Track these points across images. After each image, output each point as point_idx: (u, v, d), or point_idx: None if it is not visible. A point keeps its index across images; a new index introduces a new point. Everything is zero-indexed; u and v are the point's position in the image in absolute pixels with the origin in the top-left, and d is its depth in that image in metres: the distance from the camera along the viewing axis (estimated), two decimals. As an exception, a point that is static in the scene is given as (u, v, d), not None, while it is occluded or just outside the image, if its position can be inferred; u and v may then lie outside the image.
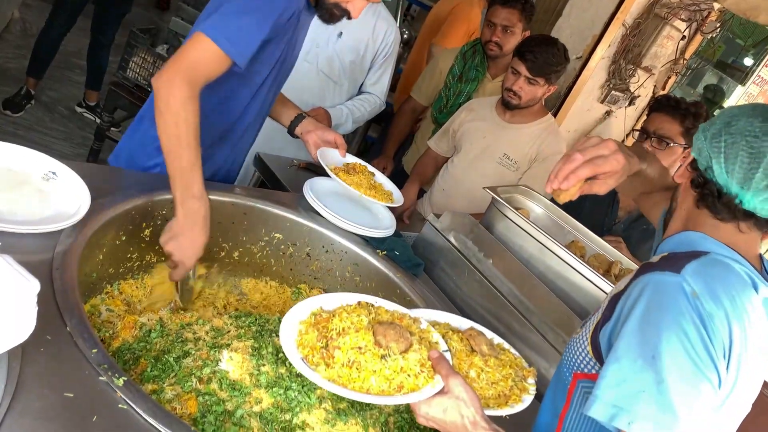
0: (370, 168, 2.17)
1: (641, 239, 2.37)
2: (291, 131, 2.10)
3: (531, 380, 1.34)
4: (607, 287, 1.76)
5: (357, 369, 1.12)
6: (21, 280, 0.94)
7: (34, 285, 0.95)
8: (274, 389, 1.33)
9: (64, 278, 1.26)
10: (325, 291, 2.00)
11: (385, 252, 1.96)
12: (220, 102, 1.82)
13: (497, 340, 1.45)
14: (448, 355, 1.22)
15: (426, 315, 1.43)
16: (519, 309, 1.78)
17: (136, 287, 1.73)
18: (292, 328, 1.23)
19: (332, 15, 1.76)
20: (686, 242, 1.11)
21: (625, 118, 4.17)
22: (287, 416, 1.31)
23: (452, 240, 1.97)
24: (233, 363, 1.37)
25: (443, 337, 1.30)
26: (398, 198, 2.11)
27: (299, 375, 1.38)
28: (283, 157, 2.89)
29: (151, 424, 1.06)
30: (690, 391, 0.97)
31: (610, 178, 1.20)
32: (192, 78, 1.54)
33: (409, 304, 1.87)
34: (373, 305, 1.31)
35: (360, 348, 1.13)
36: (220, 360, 1.38)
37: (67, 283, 1.25)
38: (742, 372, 1.03)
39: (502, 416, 1.23)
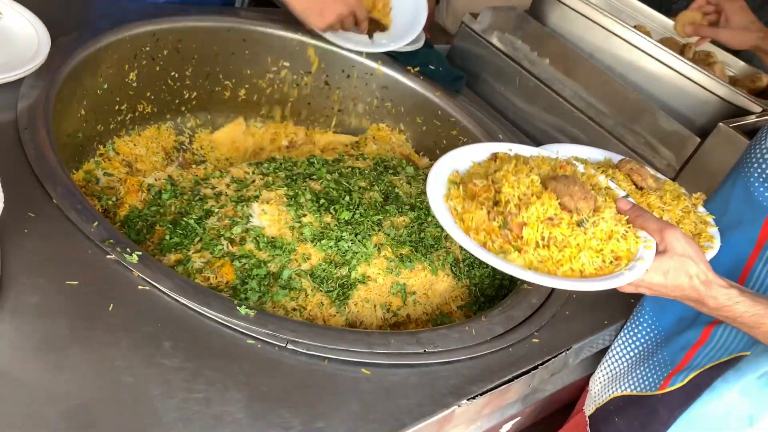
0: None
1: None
2: None
3: (702, 209, 1.06)
4: (689, 70, 1.46)
5: (556, 247, 0.81)
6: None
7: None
8: (322, 242, 1.10)
9: (37, 139, 0.98)
10: (351, 125, 1.71)
11: (417, 68, 1.64)
12: None
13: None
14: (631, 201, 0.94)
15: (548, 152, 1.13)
16: (588, 113, 1.50)
17: (134, 144, 1.46)
18: (441, 209, 0.88)
19: None
20: None
21: None
22: (344, 271, 1.09)
23: (496, 42, 1.64)
24: (267, 217, 1.13)
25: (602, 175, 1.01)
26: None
27: (348, 222, 1.14)
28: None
29: (182, 304, 0.84)
30: None
31: None
32: None
33: (455, 126, 1.59)
34: (512, 156, 0.97)
35: (551, 219, 0.81)
36: (251, 215, 1.14)
37: (41, 145, 0.98)
38: None
39: None
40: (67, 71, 1.16)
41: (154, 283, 0.85)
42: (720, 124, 1.32)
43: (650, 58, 1.49)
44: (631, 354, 1.17)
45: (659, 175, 1.10)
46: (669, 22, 1.81)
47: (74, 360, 0.73)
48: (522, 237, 0.82)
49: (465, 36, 1.71)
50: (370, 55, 1.63)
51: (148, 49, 1.40)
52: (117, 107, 1.40)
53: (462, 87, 1.68)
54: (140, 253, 0.88)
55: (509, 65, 1.62)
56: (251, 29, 1.55)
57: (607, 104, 1.47)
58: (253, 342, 0.83)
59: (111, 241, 0.88)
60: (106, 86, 1.34)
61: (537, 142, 1.60)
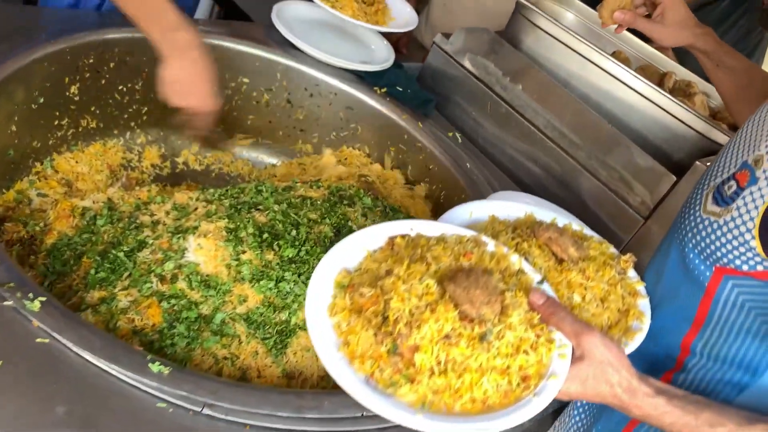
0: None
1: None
2: None
3: (632, 273, 0.95)
4: (667, 103, 1.39)
5: (454, 372, 0.68)
6: None
7: None
8: (261, 282, 1.01)
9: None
10: (313, 145, 1.62)
11: (385, 89, 1.56)
12: None
13: (560, 214, 1.06)
14: (548, 290, 0.82)
15: (462, 216, 1.00)
16: (561, 144, 1.42)
17: (76, 161, 1.37)
18: (323, 325, 0.74)
19: None
20: None
21: None
22: (283, 315, 1.00)
23: (468, 65, 1.56)
24: (203, 252, 1.03)
25: (516, 250, 0.88)
26: (409, 20, 1.65)
27: (293, 260, 1.05)
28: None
29: (86, 360, 0.74)
30: None
31: None
32: None
33: (421, 152, 1.51)
34: (412, 239, 0.85)
35: (448, 337, 0.68)
36: (186, 249, 1.05)
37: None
38: None
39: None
40: (-7, 85, 1.07)
41: (55, 335, 0.75)
42: (697, 162, 1.25)
43: (627, 88, 1.42)
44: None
45: (587, 231, 1.00)
46: (649, 48, 1.75)
47: (-55, 430, 0.63)
48: (414, 364, 0.69)
49: (437, 56, 1.63)
50: (335, 74, 1.54)
51: (91, 61, 1.31)
52: (56, 122, 1.31)
53: (432, 110, 1.60)
54: (44, 298, 0.78)
55: (481, 89, 1.54)
56: (209, 43, 1.46)
57: (581, 135, 1.40)
58: (164, 405, 0.74)
59: (11, 284, 0.78)
60: (42, 100, 1.24)
61: (505, 171, 1.53)
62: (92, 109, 1.37)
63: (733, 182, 0.82)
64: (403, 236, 0.85)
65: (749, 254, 0.78)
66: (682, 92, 1.61)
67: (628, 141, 1.36)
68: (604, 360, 0.74)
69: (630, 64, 1.67)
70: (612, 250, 0.97)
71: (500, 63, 1.51)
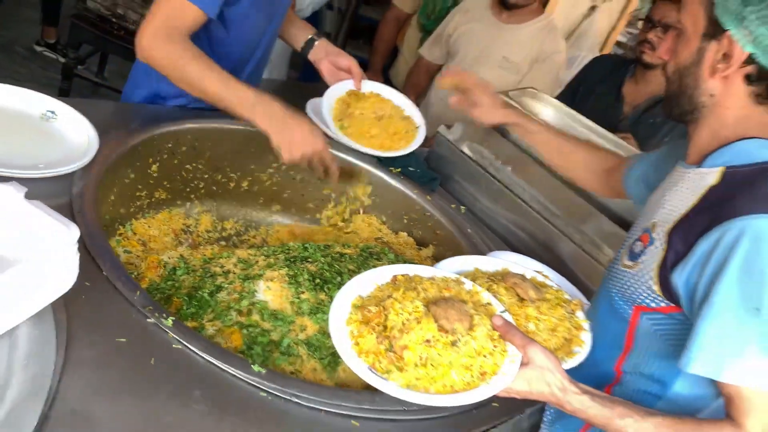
0: (388, 93, 1.94)
1: (649, 134, 2.34)
2: (304, 56, 1.98)
3: (580, 314, 1.25)
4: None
5: (432, 366, 1.00)
6: (59, 226, 0.87)
7: (73, 231, 0.88)
8: (317, 315, 1.30)
9: (87, 221, 1.19)
10: (341, 215, 1.94)
11: (399, 169, 1.90)
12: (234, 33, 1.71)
13: (530, 266, 1.39)
14: (508, 317, 1.12)
15: (453, 266, 1.33)
16: (543, 215, 1.76)
17: (148, 226, 1.67)
18: (342, 332, 1.06)
19: None
20: (743, 153, 1.04)
21: (610, 13, 4.06)
22: (335, 341, 1.28)
23: (466, 150, 1.92)
24: (271, 293, 1.33)
25: (488, 291, 1.20)
26: (417, 140, 1.88)
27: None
28: (265, 78, 2.76)
29: (208, 361, 1.03)
30: None
31: None
32: (170, 34, 1.48)
33: (429, 220, 1.84)
34: (410, 277, 1.19)
35: (428, 341, 1.00)
36: (256, 291, 1.34)
37: (91, 226, 1.18)
38: None
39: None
40: (107, 165, 1.38)
41: (186, 343, 1.04)
42: (650, 228, 1.58)
43: (595, 169, 1.77)
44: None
45: (552, 283, 1.33)
46: (615, 138, 2.11)
47: (125, 403, 0.91)
48: (404, 358, 1.00)
49: (440, 143, 1.99)
50: (360, 157, 1.88)
51: (170, 145, 1.63)
52: (138, 194, 1.62)
53: (437, 186, 1.93)
54: (173, 318, 1.07)
55: (477, 170, 1.88)
56: (256, 131, 1.80)
57: (559, 207, 1.74)
58: (265, 395, 1.02)
59: (150, 307, 1.07)
60: (132, 176, 1.56)
61: (499, 236, 1.85)
62: (165, 183, 1.68)
63: (639, 243, 1.13)
64: (403, 275, 1.19)
65: (654, 295, 1.07)
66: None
67: (596, 211, 1.69)
68: (544, 366, 1.02)
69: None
70: (566, 296, 1.29)
71: (493, 149, 1.87)
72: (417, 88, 2.82)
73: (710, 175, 1.06)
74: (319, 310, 1.31)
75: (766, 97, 1.03)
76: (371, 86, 1.92)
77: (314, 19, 3.55)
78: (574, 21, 3.93)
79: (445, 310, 1.04)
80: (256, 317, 1.29)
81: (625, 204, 1.71)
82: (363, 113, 1.85)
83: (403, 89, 2.81)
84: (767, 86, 1.01)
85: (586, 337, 1.19)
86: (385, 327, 1.04)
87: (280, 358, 1.24)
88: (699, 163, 1.10)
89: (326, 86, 1.89)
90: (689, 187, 1.09)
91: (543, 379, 1.02)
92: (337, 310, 1.09)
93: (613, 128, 2.37)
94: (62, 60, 3.75)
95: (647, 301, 1.10)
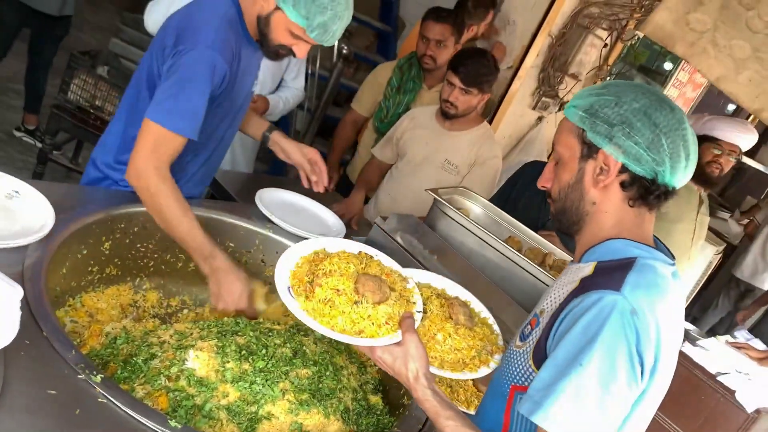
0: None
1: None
2: (264, 143, 2.20)
3: (497, 357, 1.44)
4: (542, 276, 1.93)
5: (330, 307, 1.29)
6: (5, 286, 1.02)
7: (17, 291, 1.03)
8: (239, 383, 1.43)
9: (35, 289, 1.33)
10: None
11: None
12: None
13: (485, 314, 1.60)
14: (419, 316, 1.35)
15: (424, 277, 1.59)
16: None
17: (97, 299, 1.80)
18: (291, 260, 1.40)
19: (277, 54, 1.86)
20: (612, 250, 1.23)
21: (556, 123, 4.42)
22: (253, 408, 1.40)
23: (399, 240, 2.11)
24: (199, 361, 1.46)
25: (427, 299, 1.44)
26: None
27: (262, 370, 1.48)
28: (231, 171, 2.98)
29: (129, 415, 1.15)
30: (608, 397, 1.09)
31: None
32: (156, 164, 1.70)
33: (362, 302, 1.99)
34: (372, 258, 1.48)
35: (338, 290, 1.30)
36: (186, 359, 1.47)
37: (38, 293, 1.33)
38: (660, 370, 1.16)
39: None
40: (61, 240, 1.54)
41: (111, 398, 1.16)
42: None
43: (512, 262, 1.96)
44: None
45: (496, 327, 1.55)
46: (536, 236, 2.32)
47: (47, 446, 1.03)
48: (314, 292, 1.29)
49: (377, 232, 2.18)
50: (299, 240, 2.05)
51: (122, 226, 1.80)
52: (90, 269, 1.76)
53: (371, 273, 2.11)
54: (102, 375, 1.20)
55: (408, 258, 2.06)
56: (207, 216, 1.99)
57: (478, 295, 1.91)
58: (178, 448, 1.14)
59: (82, 365, 1.20)
60: (85, 252, 1.71)
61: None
62: (116, 260, 1.83)
63: (528, 326, 1.31)
64: (370, 255, 1.52)
65: (529, 371, 1.23)
66: (558, 268, 2.17)
67: (511, 300, 1.87)
68: (412, 353, 1.24)
69: (521, 245, 2.23)
70: (500, 341, 1.50)
71: (422, 240, 2.06)
72: (369, 184, 3.04)
73: (586, 268, 1.26)
74: (242, 378, 1.44)
75: (636, 199, 1.24)
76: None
77: (285, 118, 3.84)
78: (522, 130, 4.27)
79: (367, 280, 1.32)
80: (183, 383, 1.41)
81: (538, 296, 1.89)
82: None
83: (356, 183, 3.05)
84: (638, 190, 1.23)
85: (483, 371, 1.40)
86: (318, 267, 1.36)
87: (201, 421, 1.35)
88: (579, 260, 1.30)
89: (289, 180, 2.14)
90: (570, 278, 1.29)
91: (404, 363, 1.23)
92: (303, 247, 1.48)
93: (541, 226, 2.60)
94: (39, 145, 3.95)
95: (521, 379, 1.25)
